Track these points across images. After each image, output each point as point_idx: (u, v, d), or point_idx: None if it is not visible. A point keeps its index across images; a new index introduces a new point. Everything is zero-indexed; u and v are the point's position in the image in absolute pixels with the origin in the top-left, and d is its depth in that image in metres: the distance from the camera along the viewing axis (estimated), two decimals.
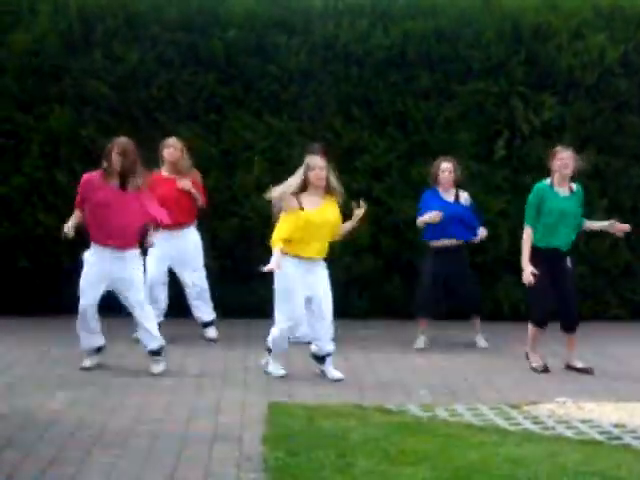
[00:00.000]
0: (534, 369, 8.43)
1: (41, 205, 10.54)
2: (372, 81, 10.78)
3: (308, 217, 7.85)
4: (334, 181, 8.00)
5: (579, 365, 8.53)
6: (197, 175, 9.55)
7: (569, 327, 8.49)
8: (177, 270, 9.50)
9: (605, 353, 9.40)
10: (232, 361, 8.71)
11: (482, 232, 9.43)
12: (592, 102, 10.96)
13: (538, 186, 8.40)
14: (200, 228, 9.65)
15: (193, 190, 9.31)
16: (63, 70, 10.51)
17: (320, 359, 8.16)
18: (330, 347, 8.12)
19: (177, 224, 9.12)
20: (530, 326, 8.49)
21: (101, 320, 8.28)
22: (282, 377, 8.04)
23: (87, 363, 8.28)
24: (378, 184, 10.80)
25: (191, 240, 9.47)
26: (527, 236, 8.37)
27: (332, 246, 8.29)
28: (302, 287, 7.93)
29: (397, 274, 10.84)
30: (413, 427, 6.63)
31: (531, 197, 8.38)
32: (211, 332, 9.64)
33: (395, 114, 10.83)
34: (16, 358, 8.72)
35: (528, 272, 8.24)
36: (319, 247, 7.96)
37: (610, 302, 11.20)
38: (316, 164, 7.94)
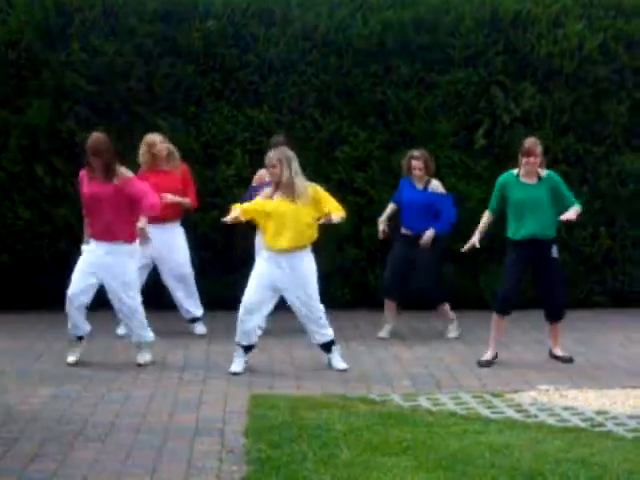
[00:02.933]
0: (478, 362, 8.35)
1: (20, 199, 10.47)
2: (352, 71, 10.75)
3: (275, 206, 7.90)
4: (287, 176, 7.90)
5: (559, 353, 8.53)
6: (186, 167, 9.55)
7: (552, 317, 8.46)
8: (162, 262, 9.42)
9: (587, 340, 9.42)
10: (214, 354, 8.69)
11: (427, 234, 9.28)
12: (572, 90, 10.96)
13: (502, 177, 8.42)
14: (182, 220, 9.64)
15: (182, 199, 9.40)
16: (40, 63, 10.42)
17: (325, 348, 8.17)
18: (322, 338, 8.11)
19: (163, 218, 9.12)
20: (493, 315, 8.46)
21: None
22: (235, 372, 7.96)
23: (71, 359, 8.22)
24: (359, 174, 10.78)
25: (178, 234, 9.43)
26: (484, 218, 8.50)
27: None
28: (271, 280, 7.97)
29: (379, 264, 10.81)
30: (396, 417, 6.64)
31: (495, 187, 8.44)
32: (199, 328, 9.63)
33: (375, 104, 10.81)
34: None
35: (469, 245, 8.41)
36: (290, 237, 7.90)
37: (592, 289, 11.22)
38: (267, 162, 7.99)
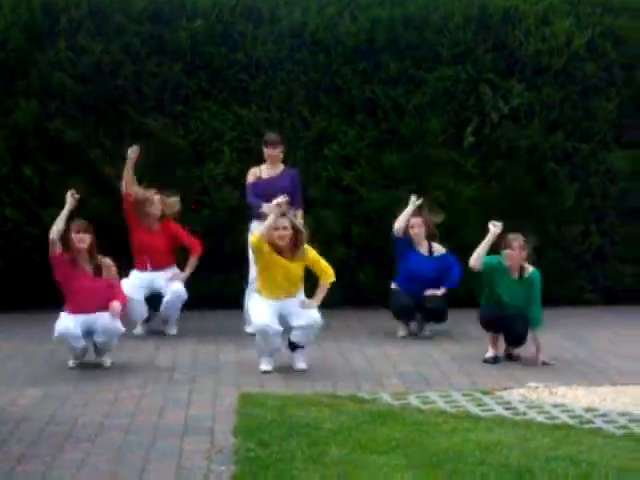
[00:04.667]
0: (484, 360, 8.31)
1: (9, 200, 10.43)
2: (340, 69, 10.75)
3: (275, 260, 7.89)
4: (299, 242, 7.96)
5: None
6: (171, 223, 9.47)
7: (512, 343, 8.46)
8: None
9: (577, 338, 9.42)
10: (203, 353, 8.66)
11: (435, 292, 9.26)
12: (560, 87, 10.97)
13: (495, 262, 8.26)
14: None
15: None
16: (28, 63, 10.39)
17: (293, 348, 8.09)
18: (309, 343, 8.08)
19: (159, 266, 9.28)
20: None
21: None
22: (266, 371, 7.91)
23: (72, 363, 8.11)
24: (348, 172, 10.77)
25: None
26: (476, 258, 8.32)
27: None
28: (275, 314, 7.93)
29: (369, 263, 10.82)
30: (385, 415, 6.62)
31: (483, 275, 8.35)
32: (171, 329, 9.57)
33: (364, 102, 10.80)
34: None
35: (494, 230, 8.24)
36: (285, 289, 7.96)
37: (582, 287, 11.23)
38: (279, 225, 7.90)
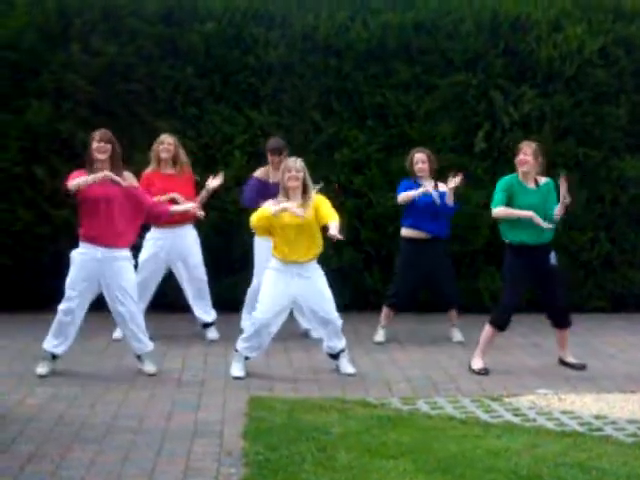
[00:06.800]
0: (474, 371, 8.18)
1: (20, 200, 10.46)
2: (352, 74, 10.76)
3: (284, 220, 7.77)
4: (309, 185, 7.88)
5: (571, 360, 8.40)
6: (190, 171, 9.42)
7: (558, 324, 8.31)
8: (176, 266, 9.35)
9: (586, 344, 9.41)
10: (213, 356, 8.68)
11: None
12: (571, 94, 10.97)
13: (507, 179, 8.24)
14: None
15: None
16: (41, 64, 10.42)
17: (334, 356, 8.13)
18: (340, 345, 8.06)
19: (177, 221, 9.02)
20: (487, 326, 8.26)
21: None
22: (237, 377, 7.89)
23: (43, 370, 7.90)
24: (358, 177, 10.78)
25: (190, 236, 9.32)
26: (502, 209, 8.16)
27: None
28: (287, 291, 7.84)
29: (377, 267, 10.82)
30: (394, 420, 6.64)
31: (500, 187, 8.22)
32: (211, 333, 9.50)
33: (375, 107, 10.81)
34: None
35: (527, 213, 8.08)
36: (303, 249, 7.85)
37: (591, 294, 11.22)
38: (291, 167, 7.84)
